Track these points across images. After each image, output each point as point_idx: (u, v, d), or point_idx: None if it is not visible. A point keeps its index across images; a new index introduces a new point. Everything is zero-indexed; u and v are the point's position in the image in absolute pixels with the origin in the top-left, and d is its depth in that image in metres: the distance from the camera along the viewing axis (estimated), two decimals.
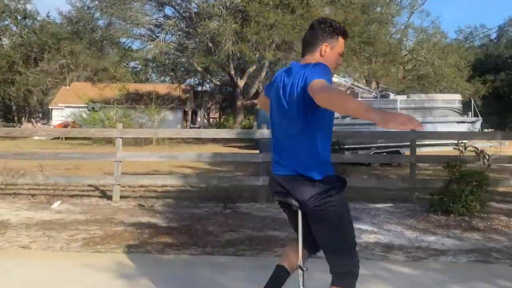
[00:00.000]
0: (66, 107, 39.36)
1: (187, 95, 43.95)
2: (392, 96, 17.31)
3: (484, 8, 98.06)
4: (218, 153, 10.37)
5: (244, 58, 26.36)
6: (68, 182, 8.63)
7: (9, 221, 6.54)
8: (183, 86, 41.92)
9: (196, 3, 27.50)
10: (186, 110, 44.17)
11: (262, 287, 4.16)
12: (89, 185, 9.53)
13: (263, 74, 30.33)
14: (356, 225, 6.54)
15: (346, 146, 15.49)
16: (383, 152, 15.66)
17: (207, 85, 48.70)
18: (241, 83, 31.01)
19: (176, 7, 29.24)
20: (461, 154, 7.32)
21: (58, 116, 40.79)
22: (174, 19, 28.61)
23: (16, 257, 4.90)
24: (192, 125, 44.11)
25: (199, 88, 48.12)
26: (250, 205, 7.91)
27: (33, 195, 8.35)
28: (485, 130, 28.93)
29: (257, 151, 11.34)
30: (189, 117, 46.33)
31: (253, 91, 32.51)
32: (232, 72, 30.65)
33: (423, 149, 13.96)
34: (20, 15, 38.88)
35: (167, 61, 33.53)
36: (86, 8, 29.08)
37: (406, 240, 5.94)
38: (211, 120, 57.58)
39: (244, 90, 32.52)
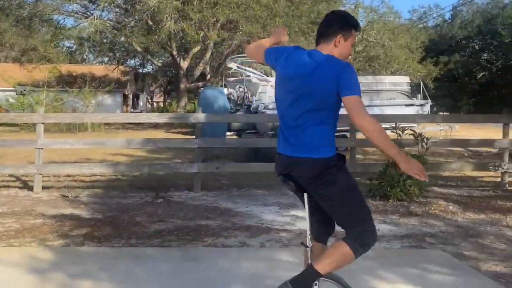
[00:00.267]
0: None
1: (127, 77, 43.11)
2: None
3: None
4: (150, 139, 10.29)
5: (187, 38, 26.05)
6: None
7: None
8: (122, 67, 41.06)
9: None
10: (127, 93, 43.36)
11: (185, 279, 4.22)
12: (9, 175, 9.27)
13: (208, 55, 30.07)
14: (292, 212, 6.72)
15: None
16: None
17: (150, 67, 47.93)
18: (184, 64, 30.63)
19: None
20: (399, 138, 7.56)
21: None
22: None
23: None
24: (132, 110, 43.33)
25: (141, 70, 47.28)
26: (184, 194, 7.92)
27: None
28: (440, 113, 29.84)
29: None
30: (130, 102, 45.54)
31: (197, 73, 32.23)
32: (175, 53, 30.24)
33: None
34: None
35: (104, 40, 32.72)
36: None
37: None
38: (155, 104, 56.81)
39: (188, 72, 32.17)
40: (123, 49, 36.86)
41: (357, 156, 9.59)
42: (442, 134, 18.47)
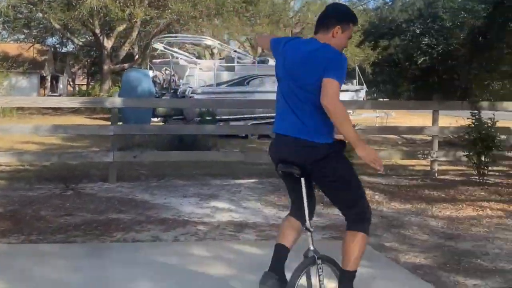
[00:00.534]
0: None
1: (45, 57, 41.71)
2: (271, 62, 17.70)
3: None
4: (60, 126, 9.99)
5: (111, 15, 25.47)
6: None
7: None
8: (38, 46, 39.68)
9: None
10: (45, 75, 41.98)
11: (87, 276, 4.17)
12: None
13: (135, 34, 29.48)
14: (212, 203, 6.76)
15: (223, 117, 15.71)
16: (263, 123, 15.99)
17: (71, 46, 46.50)
18: (108, 44, 29.94)
19: None
20: None
21: None
22: None
23: None
24: (51, 94, 41.97)
25: (60, 49, 45.81)
26: (97, 185, 7.79)
27: None
28: (380, 99, 30.53)
29: (121, 123, 11.14)
30: (48, 84, 44.12)
31: (122, 53, 31.60)
32: (98, 31, 29.53)
33: None
34: None
35: (19, 15, 31.48)
36: None
37: (262, 217, 6.21)
38: (77, 87, 55.32)
39: (112, 53, 31.50)
40: (41, 25, 35.63)
41: None
42: (378, 121, 19.04)
